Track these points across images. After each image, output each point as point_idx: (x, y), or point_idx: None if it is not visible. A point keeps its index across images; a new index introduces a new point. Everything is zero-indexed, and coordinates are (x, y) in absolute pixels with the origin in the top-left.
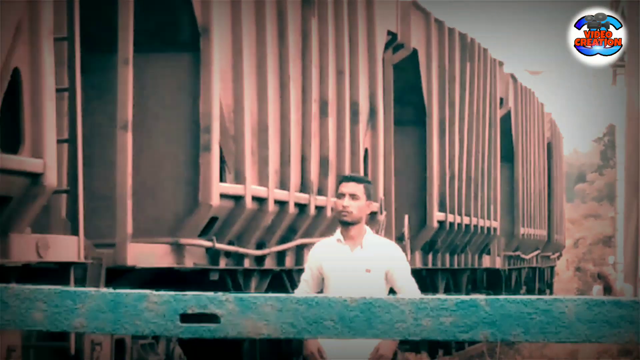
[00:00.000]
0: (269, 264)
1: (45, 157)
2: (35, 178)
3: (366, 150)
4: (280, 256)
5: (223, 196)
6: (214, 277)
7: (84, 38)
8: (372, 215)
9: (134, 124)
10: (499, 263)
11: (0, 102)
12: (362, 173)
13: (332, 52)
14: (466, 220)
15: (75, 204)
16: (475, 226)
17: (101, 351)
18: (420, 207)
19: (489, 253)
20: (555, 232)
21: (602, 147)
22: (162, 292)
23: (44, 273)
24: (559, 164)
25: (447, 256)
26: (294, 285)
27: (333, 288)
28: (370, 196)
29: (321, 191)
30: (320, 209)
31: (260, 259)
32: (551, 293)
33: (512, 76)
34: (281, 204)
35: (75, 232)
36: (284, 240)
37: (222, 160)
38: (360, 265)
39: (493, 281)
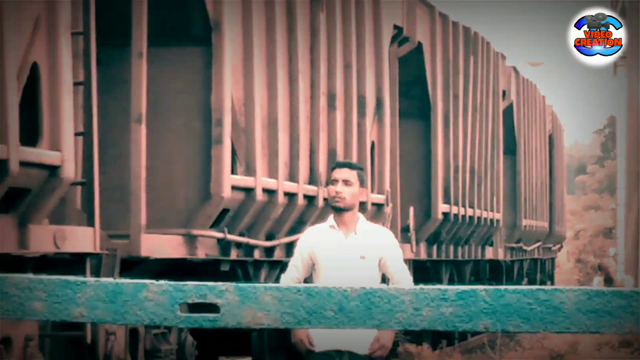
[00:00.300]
0: (278, 255)
1: (63, 150)
2: (53, 170)
3: (372, 143)
4: (290, 247)
5: (234, 188)
6: (225, 267)
7: (97, 32)
8: (379, 207)
9: (147, 117)
10: (501, 254)
11: (19, 96)
12: (369, 166)
13: (339, 46)
14: (470, 212)
15: (91, 196)
16: (479, 218)
17: (115, 340)
18: (425, 199)
19: (491, 244)
20: (556, 223)
21: (603, 138)
22: (161, 282)
23: (60, 263)
24: (560, 156)
25: (451, 248)
26: None
27: (326, 274)
28: (363, 183)
29: (329, 183)
30: (327, 200)
31: (270, 250)
32: (552, 284)
33: (515, 69)
34: (290, 195)
35: (91, 223)
36: (293, 231)
37: (233, 153)
38: (354, 251)
39: (496, 272)
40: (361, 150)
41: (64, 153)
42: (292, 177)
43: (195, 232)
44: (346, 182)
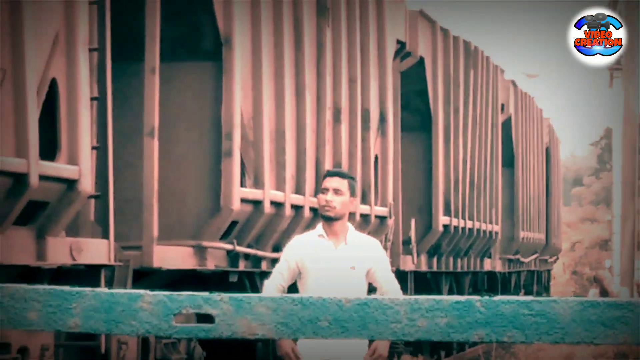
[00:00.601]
0: None
1: (81, 164)
2: (71, 184)
3: (376, 156)
4: None
5: (243, 201)
6: (233, 278)
7: (111, 47)
8: (382, 219)
9: (158, 130)
10: (499, 266)
11: (39, 111)
12: (372, 178)
13: (345, 60)
14: (469, 224)
15: (106, 209)
16: (478, 230)
17: (127, 349)
18: (426, 211)
19: (490, 256)
20: (552, 235)
21: (599, 150)
22: (156, 292)
23: (76, 274)
24: (557, 168)
25: (451, 259)
26: None
27: (314, 284)
28: (354, 192)
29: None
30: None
31: (276, 262)
32: (548, 296)
33: (513, 82)
34: (297, 208)
35: (105, 235)
36: None
37: (242, 166)
38: (345, 262)
39: (493, 284)
40: (365, 163)
41: (82, 167)
42: (299, 189)
43: (205, 243)
44: (337, 192)
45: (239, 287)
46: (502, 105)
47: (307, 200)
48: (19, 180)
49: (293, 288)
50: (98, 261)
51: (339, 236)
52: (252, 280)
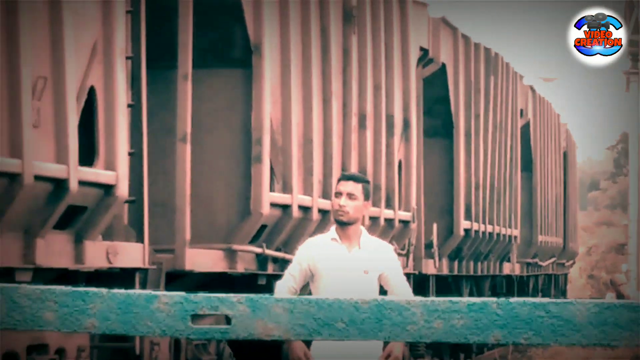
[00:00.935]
0: None
1: (118, 170)
2: (108, 189)
3: (400, 162)
4: None
5: (272, 205)
6: (262, 281)
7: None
8: (405, 224)
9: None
10: (517, 270)
11: (78, 118)
12: (396, 183)
13: (370, 67)
14: (490, 228)
15: (141, 213)
16: (498, 234)
17: (160, 350)
18: (447, 215)
19: (509, 260)
20: (570, 239)
21: (616, 154)
22: (173, 293)
23: (110, 277)
24: (574, 173)
25: (472, 263)
26: None
27: (327, 287)
28: (368, 196)
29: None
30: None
31: None
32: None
33: (532, 88)
34: (324, 212)
35: (140, 239)
36: None
37: (271, 171)
38: (358, 266)
39: (512, 288)
40: (389, 169)
41: (119, 172)
42: (326, 194)
43: (235, 247)
44: (350, 196)
45: (267, 290)
46: (521, 111)
47: None
48: (59, 185)
49: (305, 291)
50: (133, 264)
51: (352, 240)
52: None
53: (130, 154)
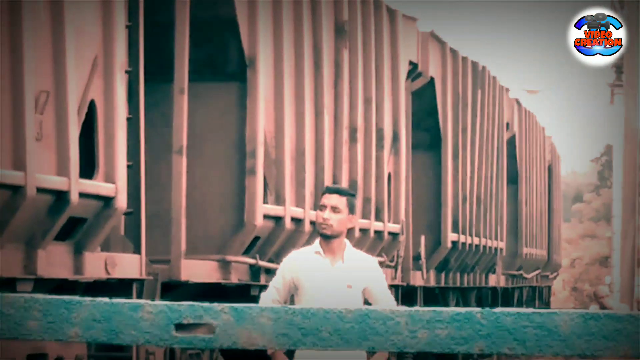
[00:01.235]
0: None
1: (117, 182)
2: (108, 201)
3: (389, 174)
4: None
5: (266, 217)
6: (255, 292)
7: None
8: (394, 236)
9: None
10: (503, 282)
11: (79, 131)
12: (386, 196)
13: (361, 81)
14: (476, 240)
15: (138, 225)
16: (484, 246)
17: (154, 359)
18: (435, 227)
19: (494, 272)
20: (553, 252)
21: (600, 167)
22: (157, 302)
23: (108, 287)
24: (558, 185)
25: (458, 275)
26: None
27: (309, 301)
28: (353, 209)
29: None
30: (349, 230)
31: None
32: None
33: (517, 101)
34: (315, 224)
35: (137, 250)
36: None
37: (264, 183)
38: (341, 280)
39: (497, 299)
40: (379, 181)
41: (118, 185)
42: (317, 206)
43: (229, 258)
44: (334, 209)
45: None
46: (507, 124)
47: None
48: (61, 197)
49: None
50: (130, 275)
51: (336, 254)
52: None
53: (128, 166)
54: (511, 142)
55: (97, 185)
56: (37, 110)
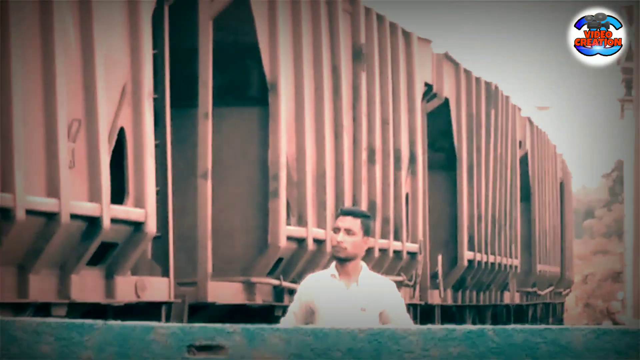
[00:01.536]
0: None
1: (147, 207)
2: (138, 226)
3: (407, 195)
4: None
5: (289, 238)
6: (279, 312)
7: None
8: (413, 255)
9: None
10: (517, 299)
11: (109, 158)
12: (404, 216)
13: (378, 103)
14: (492, 258)
15: (166, 248)
16: (499, 264)
17: None
18: (451, 246)
19: (509, 290)
20: (566, 268)
21: (611, 182)
22: (169, 324)
23: (138, 311)
24: (569, 202)
25: (474, 293)
26: None
27: (324, 324)
28: (368, 232)
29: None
30: (368, 250)
31: None
32: None
33: (529, 120)
34: None
35: (166, 274)
36: None
37: (287, 205)
38: (355, 303)
39: (512, 317)
40: (397, 202)
41: (147, 210)
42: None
43: (254, 279)
44: (348, 232)
45: None
46: (520, 142)
47: None
48: (93, 223)
49: None
50: (159, 298)
51: (352, 276)
52: None
53: (156, 191)
54: (524, 160)
55: (127, 211)
56: (69, 139)
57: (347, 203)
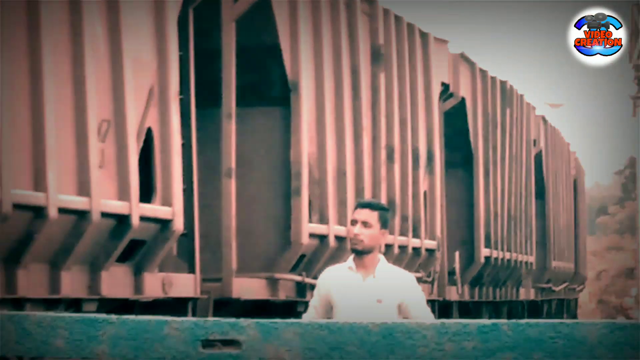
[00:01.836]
0: None
1: (174, 205)
2: (165, 224)
3: (425, 192)
4: None
5: (311, 235)
6: (301, 308)
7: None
8: (431, 252)
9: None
10: (532, 295)
11: (137, 158)
12: (422, 214)
13: (396, 103)
14: (508, 255)
15: (191, 245)
16: (515, 261)
17: None
18: (468, 243)
19: (524, 286)
20: (580, 264)
21: (624, 179)
22: (183, 318)
23: (164, 306)
24: (582, 199)
25: (491, 289)
26: None
27: (339, 317)
28: (386, 224)
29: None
30: (388, 246)
31: None
32: None
33: (543, 118)
34: None
35: (192, 270)
36: None
37: (309, 203)
38: (371, 295)
39: (528, 312)
40: (416, 200)
41: (175, 208)
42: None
43: (278, 275)
44: (365, 224)
45: None
46: (534, 141)
47: None
48: (122, 221)
49: None
50: (186, 294)
51: (369, 269)
52: None
53: (183, 190)
54: (538, 158)
55: (155, 209)
56: (99, 139)
57: None
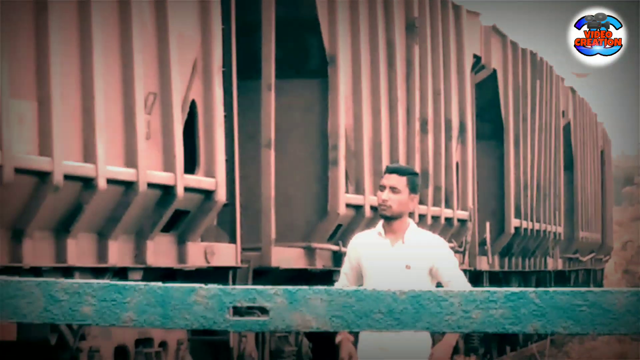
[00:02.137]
0: None
1: (217, 176)
2: (208, 194)
3: (457, 163)
4: None
5: (347, 206)
6: (337, 277)
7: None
8: (463, 222)
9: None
10: (560, 265)
11: (182, 129)
12: (454, 185)
13: (430, 75)
14: (537, 225)
15: (233, 216)
16: (544, 231)
17: (247, 342)
18: (498, 214)
19: (552, 256)
20: (607, 235)
21: None
22: (210, 286)
23: (206, 275)
24: (609, 170)
25: (520, 259)
26: None
27: (370, 283)
28: (415, 189)
29: (422, 201)
30: (421, 216)
31: None
32: None
33: (572, 89)
34: None
35: (233, 240)
36: None
37: (345, 174)
38: (399, 261)
39: (556, 282)
40: (448, 171)
41: (218, 179)
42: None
43: (315, 245)
44: (393, 190)
45: None
46: (563, 112)
47: None
48: (167, 191)
49: None
50: (227, 263)
51: (398, 234)
52: None
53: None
54: (566, 129)
55: (199, 180)
56: (145, 111)
57: None
